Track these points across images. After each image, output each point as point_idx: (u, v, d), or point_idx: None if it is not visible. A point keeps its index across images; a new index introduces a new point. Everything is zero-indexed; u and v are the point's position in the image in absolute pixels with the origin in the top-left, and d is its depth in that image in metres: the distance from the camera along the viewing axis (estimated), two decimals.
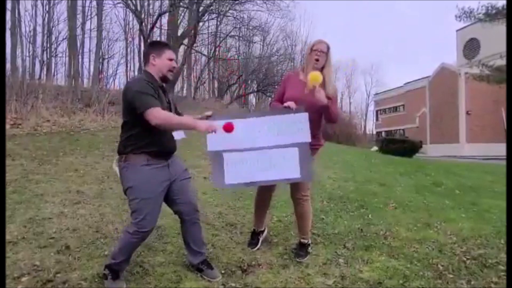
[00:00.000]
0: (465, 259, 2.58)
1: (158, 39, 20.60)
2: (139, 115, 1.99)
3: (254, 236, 2.82)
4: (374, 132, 37.78)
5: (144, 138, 2.08)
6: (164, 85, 2.23)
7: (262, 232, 2.86)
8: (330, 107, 2.46)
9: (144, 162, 2.07)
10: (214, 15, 18.06)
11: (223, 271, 2.36)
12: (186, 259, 2.40)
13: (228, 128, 2.18)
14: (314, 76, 2.36)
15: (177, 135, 2.34)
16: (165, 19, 16.29)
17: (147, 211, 2.04)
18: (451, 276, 2.33)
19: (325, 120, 2.62)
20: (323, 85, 2.45)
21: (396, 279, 2.26)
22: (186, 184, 2.27)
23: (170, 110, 2.20)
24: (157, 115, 1.97)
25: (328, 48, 2.53)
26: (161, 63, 2.15)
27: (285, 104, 2.47)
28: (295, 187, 2.61)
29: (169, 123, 2.04)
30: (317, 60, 2.49)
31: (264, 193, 2.73)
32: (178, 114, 2.36)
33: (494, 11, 14.65)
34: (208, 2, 15.41)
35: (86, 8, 20.00)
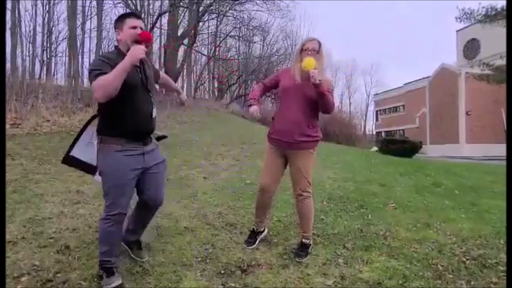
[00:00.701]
0: (464, 259, 2.58)
1: (158, 39, 20.71)
2: None
3: (252, 235, 2.82)
4: (374, 133, 37.79)
5: (116, 119, 2.02)
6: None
7: (261, 232, 2.86)
8: (326, 93, 2.42)
9: (118, 147, 2.02)
10: (214, 15, 18.09)
11: (222, 271, 2.36)
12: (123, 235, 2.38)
13: (146, 37, 2.02)
14: (309, 61, 2.37)
15: (155, 111, 2.17)
16: (165, 19, 16.34)
17: (116, 196, 2.04)
18: (450, 276, 2.33)
19: (321, 110, 2.57)
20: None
21: (396, 279, 2.27)
22: (155, 177, 2.21)
23: (146, 86, 2.09)
24: (94, 86, 1.85)
25: (319, 45, 2.53)
26: (124, 35, 2.05)
27: (250, 109, 2.60)
28: (294, 182, 2.61)
29: (107, 86, 1.83)
30: None
31: (265, 194, 2.72)
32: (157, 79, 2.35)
33: (493, 12, 14.66)
34: (208, 2, 15.43)
35: (86, 8, 20.03)
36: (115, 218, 2.05)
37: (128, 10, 17.10)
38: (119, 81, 1.86)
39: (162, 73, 2.55)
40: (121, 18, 2.12)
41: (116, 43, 2.13)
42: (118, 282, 2.09)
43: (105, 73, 1.87)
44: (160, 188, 2.27)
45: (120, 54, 2.02)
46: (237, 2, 16.36)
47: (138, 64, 2.06)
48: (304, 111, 2.51)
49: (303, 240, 2.68)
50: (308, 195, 2.61)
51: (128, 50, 1.96)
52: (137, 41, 2.00)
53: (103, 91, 1.85)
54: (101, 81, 1.85)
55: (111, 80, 1.84)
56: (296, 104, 2.52)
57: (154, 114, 2.15)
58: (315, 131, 2.59)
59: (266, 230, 2.94)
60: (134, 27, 2.04)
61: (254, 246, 2.73)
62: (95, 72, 1.89)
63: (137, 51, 1.91)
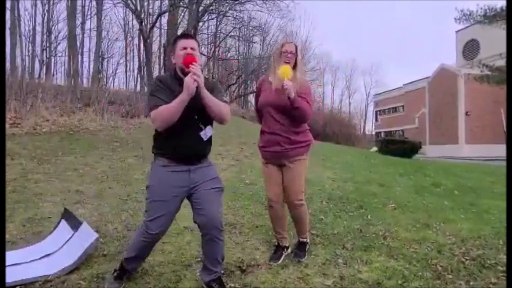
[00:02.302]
0: (464, 259, 2.58)
1: (158, 39, 20.70)
2: None
3: (278, 250, 2.63)
4: (374, 133, 37.82)
5: (161, 141, 2.02)
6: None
7: (287, 247, 2.68)
8: (298, 106, 2.37)
9: (164, 163, 2.01)
10: (214, 15, 18.10)
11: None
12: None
13: (188, 62, 1.93)
14: (284, 70, 2.34)
15: (205, 134, 2.05)
16: (165, 19, 16.32)
17: (156, 213, 1.98)
18: (450, 276, 2.33)
19: (296, 120, 2.48)
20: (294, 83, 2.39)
21: (395, 280, 2.27)
22: (208, 194, 2.02)
23: (196, 110, 1.95)
24: (153, 116, 1.90)
25: (296, 48, 2.50)
26: (176, 57, 2.01)
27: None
28: (287, 191, 2.53)
29: (165, 117, 1.87)
30: (287, 62, 2.45)
31: (274, 206, 2.61)
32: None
33: (492, 13, 14.68)
34: (208, 2, 15.44)
35: (86, 8, 20.04)
36: (152, 237, 2.01)
37: (127, 10, 17.09)
38: (178, 114, 1.89)
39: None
40: (174, 41, 2.10)
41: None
42: (117, 287, 2.09)
43: (163, 101, 1.91)
44: (215, 206, 2.02)
45: (175, 78, 2.01)
46: (237, 2, 16.37)
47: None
48: (287, 118, 2.46)
49: (301, 239, 2.67)
50: (302, 202, 2.56)
51: (182, 71, 1.97)
52: (184, 71, 1.95)
53: (164, 123, 1.90)
54: (162, 113, 1.89)
55: (171, 113, 1.88)
56: (277, 113, 2.47)
57: (205, 137, 2.04)
58: (304, 136, 2.54)
59: (290, 249, 2.73)
60: (184, 48, 1.98)
61: (279, 262, 2.53)
62: (155, 99, 1.93)
63: (189, 84, 1.85)
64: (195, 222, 2.04)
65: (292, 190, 2.52)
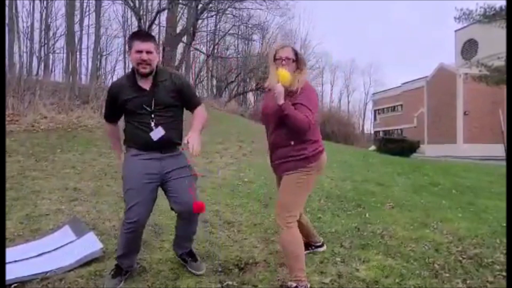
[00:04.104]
0: (461, 258, 2.59)
1: (157, 36, 20.62)
2: None
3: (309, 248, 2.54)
4: (372, 132, 37.86)
5: (129, 133, 2.15)
6: (154, 76, 2.07)
7: (320, 245, 2.62)
8: (286, 110, 2.00)
9: (134, 152, 2.10)
10: (213, 13, 18.05)
11: (220, 269, 2.36)
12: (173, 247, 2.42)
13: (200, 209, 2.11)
14: (281, 74, 2.05)
15: (155, 135, 2.08)
16: (164, 16, 16.26)
17: (132, 201, 2.02)
18: (447, 275, 2.34)
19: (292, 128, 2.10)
20: (293, 91, 2.08)
21: (393, 278, 2.27)
22: (180, 182, 2.10)
23: (149, 109, 2.05)
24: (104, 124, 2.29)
25: (295, 53, 2.16)
26: (130, 57, 2.06)
27: None
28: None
29: (107, 134, 2.28)
30: None
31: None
32: (188, 105, 2.22)
33: (492, 12, 14.69)
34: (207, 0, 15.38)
35: (84, 5, 19.95)
36: (132, 226, 2.03)
37: (126, 7, 17.04)
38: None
39: (198, 110, 2.26)
40: (130, 39, 2.10)
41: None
42: (115, 286, 2.09)
43: (109, 115, 2.30)
44: (186, 192, 2.09)
45: (133, 76, 2.12)
46: (236, 0, 16.33)
47: (148, 88, 2.08)
48: (284, 128, 2.09)
49: (289, 283, 2.07)
50: (282, 224, 2.07)
51: (137, 72, 2.10)
52: (138, 71, 2.06)
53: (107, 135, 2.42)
54: (106, 129, 2.40)
55: (108, 135, 2.46)
56: (275, 124, 2.14)
57: (155, 137, 2.06)
58: (301, 148, 2.10)
59: (324, 246, 2.69)
60: (139, 51, 2.01)
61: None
62: (105, 110, 2.30)
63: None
64: (171, 209, 2.17)
65: (275, 207, 2.19)
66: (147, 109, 2.06)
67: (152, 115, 2.07)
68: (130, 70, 2.18)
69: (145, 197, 2.05)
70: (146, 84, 2.08)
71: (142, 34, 2.15)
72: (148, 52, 2.01)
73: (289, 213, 2.07)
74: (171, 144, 2.15)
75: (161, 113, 2.09)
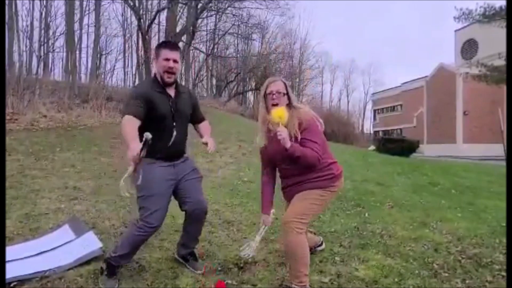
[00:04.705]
0: (460, 258, 2.59)
1: (157, 35, 20.63)
2: None
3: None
4: (372, 132, 37.86)
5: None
6: (176, 86, 2.19)
7: (320, 245, 2.66)
8: (297, 153, 1.99)
9: (149, 161, 2.08)
10: (213, 12, 18.02)
11: (219, 268, 2.37)
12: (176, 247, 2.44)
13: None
14: (276, 114, 1.98)
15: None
16: (163, 16, 16.24)
17: (155, 206, 2.04)
18: (446, 274, 2.34)
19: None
20: (290, 124, 2.04)
21: (392, 278, 2.28)
22: (193, 183, 2.24)
23: (173, 116, 2.14)
24: (122, 122, 2.00)
25: (285, 85, 2.14)
26: (158, 65, 2.13)
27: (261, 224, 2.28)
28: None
29: (122, 131, 2.00)
30: (275, 104, 2.08)
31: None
32: (197, 119, 2.40)
33: (492, 12, 14.69)
34: None
35: (84, 4, 19.91)
36: (151, 230, 2.07)
37: (126, 6, 17.02)
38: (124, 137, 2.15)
39: (205, 122, 2.48)
40: (158, 47, 2.18)
41: None
42: (114, 286, 2.09)
43: (135, 114, 2.10)
44: (200, 192, 2.27)
45: (157, 83, 2.17)
46: None
47: (173, 96, 2.17)
48: (293, 163, 2.08)
49: (293, 286, 2.05)
50: (292, 228, 2.02)
51: (162, 80, 2.14)
52: (163, 79, 2.12)
53: (122, 132, 2.11)
54: (122, 125, 2.01)
55: (123, 132, 2.11)
56: (283, 162, 2.14)
57: (170, 142, 2.15)
58: (328, 168, 2.18)
59: (323, 244, 2.72)
60: (166, 59, 2.09)
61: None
62: (128, 105, 2.11)
63: (132, 159, 1.85)
64: (183, 210, 2.23)
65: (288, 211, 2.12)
66: (174, 115, 2.15)
67: (174, 123, 2.17)
68: (152, 76, 2.22)
69: (166, 203, 2.13)
70: (171, 92, 2.18)
71: (171, 44, 2.29)
72: (175, 61, 2.11)
73: (302, 220, 2.04)
74: (182, 152, 2.29)
75: (181, 121, 2.22)
